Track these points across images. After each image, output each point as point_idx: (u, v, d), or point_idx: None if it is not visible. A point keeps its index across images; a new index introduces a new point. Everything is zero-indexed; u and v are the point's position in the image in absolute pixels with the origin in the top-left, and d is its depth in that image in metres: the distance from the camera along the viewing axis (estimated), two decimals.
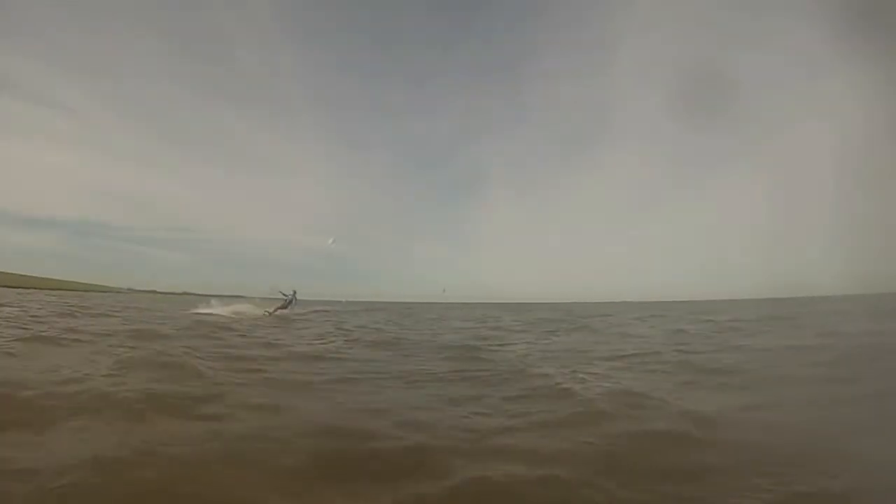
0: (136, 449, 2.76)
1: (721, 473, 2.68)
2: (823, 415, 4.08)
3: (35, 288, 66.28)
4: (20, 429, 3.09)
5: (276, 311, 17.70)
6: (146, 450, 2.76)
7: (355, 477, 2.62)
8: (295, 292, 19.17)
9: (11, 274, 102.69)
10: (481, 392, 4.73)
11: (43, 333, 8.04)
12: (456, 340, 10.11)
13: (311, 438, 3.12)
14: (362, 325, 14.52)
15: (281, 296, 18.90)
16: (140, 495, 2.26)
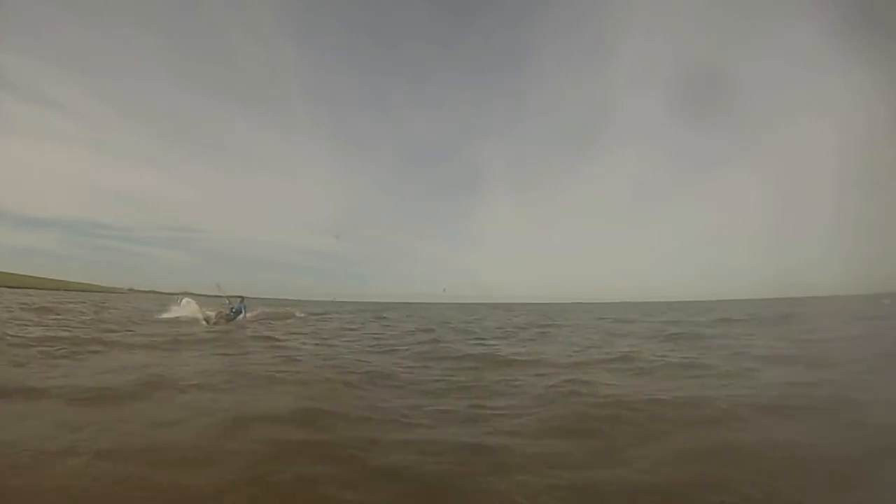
0: None
1: None
2: None
3: (35, 288, 66.43)
4: None
5: (217, 317, 15.43)
6: None
7: None
8: (242, 299, 16.71)
9: (12, 274, 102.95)
10: None
11: None
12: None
13: None
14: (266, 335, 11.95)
15: (227, 300, 16.29)
16: None
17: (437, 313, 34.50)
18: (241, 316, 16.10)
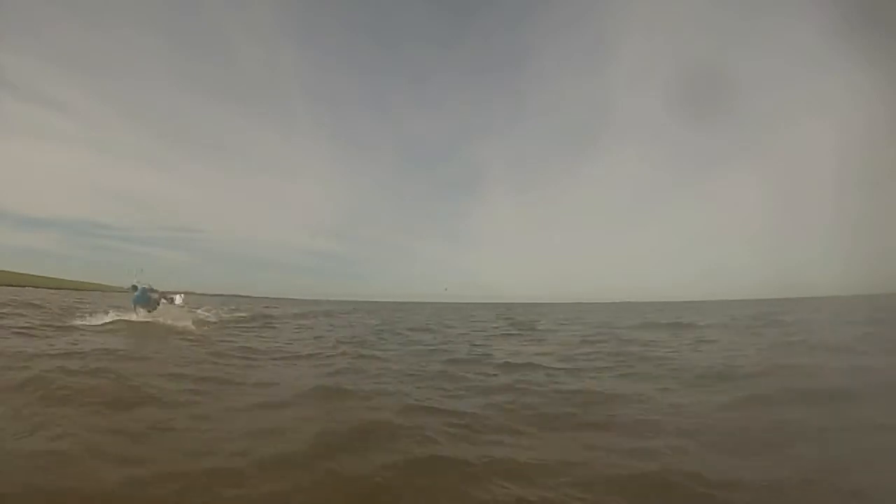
0: None
1: None
2: None
3: (35, 287, 66.46)
4: None
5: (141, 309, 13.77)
6: None
7: None
8: (150, 288, 14.29)
9: (12, 273, 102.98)
10: None
11: None
12: None
13: None
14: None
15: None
16: None
17: (409, 313, 35.32)
18: (150, 303, 13.95)
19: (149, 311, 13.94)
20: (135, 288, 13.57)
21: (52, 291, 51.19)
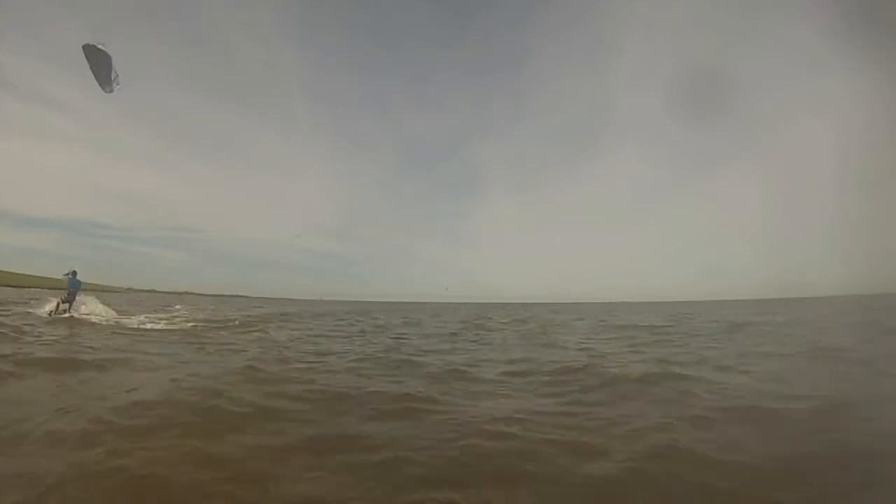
0: None
1: None
2: None
3: (35, 287, 66.35)
4: None
5: (59, 307, 13.93)
6: None
7: None
8: (75, 273, 14.56)
9: (11, 273, 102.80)
10: None
11: None
12: None
13: None
14: None
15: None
16: None
17: (394, 314, 34.71)
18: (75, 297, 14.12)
19: (66, 304, 14.10)
20: (74, 274, 14.58)
21: (47, 291, 51.14)
